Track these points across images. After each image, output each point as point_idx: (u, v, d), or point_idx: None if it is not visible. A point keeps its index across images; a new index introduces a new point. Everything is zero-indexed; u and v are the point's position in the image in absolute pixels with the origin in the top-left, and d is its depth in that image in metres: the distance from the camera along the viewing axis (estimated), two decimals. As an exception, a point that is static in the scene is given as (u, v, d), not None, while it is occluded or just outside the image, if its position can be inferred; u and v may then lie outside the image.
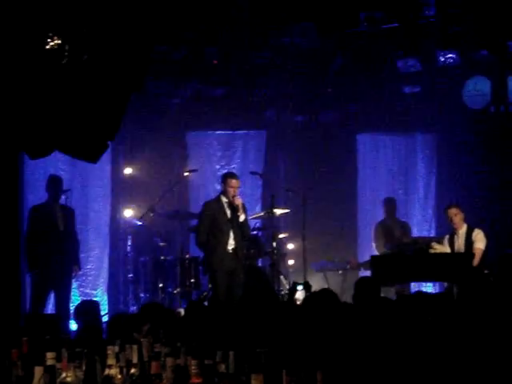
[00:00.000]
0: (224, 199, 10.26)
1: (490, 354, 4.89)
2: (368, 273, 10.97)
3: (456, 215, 10.72)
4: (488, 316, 5.79)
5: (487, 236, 10.70)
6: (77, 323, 6.62)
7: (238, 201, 10.20)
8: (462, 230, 10.73)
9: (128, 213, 12.42)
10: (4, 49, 6.35)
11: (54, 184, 10.69)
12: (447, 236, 10.87)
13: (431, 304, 6.41)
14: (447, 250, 10.73)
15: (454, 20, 11.78)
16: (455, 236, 10.75)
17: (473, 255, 10.40)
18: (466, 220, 10.82)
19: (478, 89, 12.29)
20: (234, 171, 11.31)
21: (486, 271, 10.33)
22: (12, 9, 6.49)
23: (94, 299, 11.26)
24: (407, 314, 6.02)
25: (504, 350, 4.92)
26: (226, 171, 11.75)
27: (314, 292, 7.14)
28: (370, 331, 5.54)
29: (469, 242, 10.63)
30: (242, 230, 10.25)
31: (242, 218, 10.21)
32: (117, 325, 5.74)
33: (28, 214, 10.56)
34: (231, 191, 10.20)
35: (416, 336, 5.43)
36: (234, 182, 10.25)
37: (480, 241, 10.61)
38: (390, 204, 12.31)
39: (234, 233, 10.18)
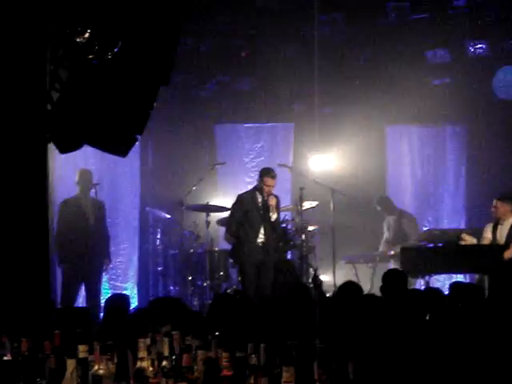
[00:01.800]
0: (258, 196, 10.22)
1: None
2: (398, 265, 10.95)
3: (498, 208, 10.58)
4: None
5: None
6: (105, 316, 6.64)
7: (273, 201, 10.16)
8: (508, 221, 10.59)
9: (157, 205, 12.45)
10: (34, 42, 6.38)
11: (84, 177, 10.75)
12: (491, 224, 10.74)
13: (461, 295, 6.39)
14: (486, 236, 10.61)
15: (483, 10, 11.69)
16: (499, 226, 10.63)
17: (504, 247, 10.31)
18: None
19: (508, 79, 12.19)
20: (262, 164, 11.28)
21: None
22: (43, 3, 6.53)
23: (124, 292, 11.32)
24: (435, 307, 6.00)
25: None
26: (255, 164, 11.74)
27: (340, 285, 7.14)
28: (397, 323, 5.53)
29: (511, 233, 10.51)
30: (273, 227, 10.24)
31: (273, 217, 10.20)
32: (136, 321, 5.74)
33: (58, 208, 10.63)
34: (266, 189, 10.17)
35: (445, 328, 5.42)
36: (270, 180, 10.19)
37: None
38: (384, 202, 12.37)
39: (264, 228, 10.18)
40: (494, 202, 10.65)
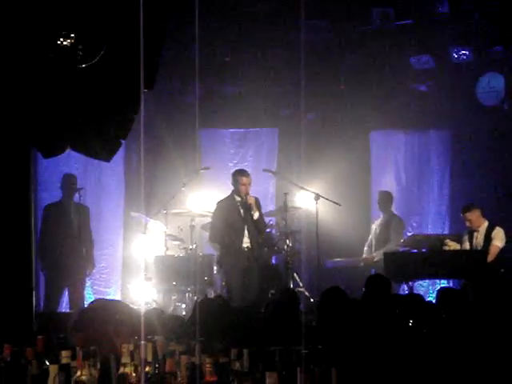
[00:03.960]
0: (237, 198, 10.21)
1: (502, 351, 4.88)
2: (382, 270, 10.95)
3: (470, 220, 10.70)
4: (501, 314, 5.78)
5: (507, 235, 10.67)
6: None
7: (251, 199, 10.15)
8: (482, 227, 10.70)
9: (141, 211, 12.43)
10: (18, 48, 6.36)
11: (69, 182, 10.72)
12: (467, 232, 10.84)
13: (448, 301, 6.40)
14: (465, 246, 10.72)
15: (467, 16, 11.74)
16: (475, 233, 10.73)
17: (487, 252, 10.37)
18: (485, 217, 10.79)
19: (491, 85, 12.25)
20: (247, 169, 11.27)
21: (502, 270, 10.30)
22: (27, 8, 6.50)
23: (108, 298, 11.28)
24: (419, 312, 6.01)
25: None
26: (240, 169, 11.73)
27: (324, 291, 7.13)
28: (381, 328, 5.53)
29: (488, 239, 10.61)
30: (256, 227, 10.21)
31: (255, 215, 10.17)
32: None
33: (42, 213, 10.59)
34: (243, 189, 10.14)
35: (427, 333, 5.43)
36: (244, 179, 10.20)
37: (498, 238, 10.59)
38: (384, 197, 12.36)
39: (248, 231, 10.15)
40: (464, 215, 10.76)
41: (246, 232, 10.14)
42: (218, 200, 10.54)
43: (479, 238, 10.66)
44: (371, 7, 11.94)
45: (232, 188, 10.48)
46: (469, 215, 10.71)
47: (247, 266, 10.08)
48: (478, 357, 4.89)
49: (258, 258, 10.25)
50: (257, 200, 10.28)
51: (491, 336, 5.25)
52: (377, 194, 12.62)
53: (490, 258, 10.37)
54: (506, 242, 10.65)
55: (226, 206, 10.26)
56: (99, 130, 7.11)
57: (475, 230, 10.71)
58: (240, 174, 10.31)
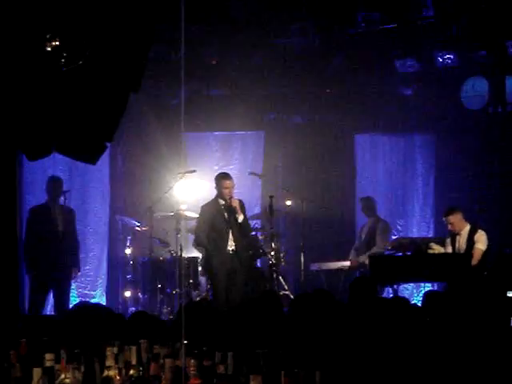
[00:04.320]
0: (221, 201, 10.20)
1: (485, 354, 4.90)
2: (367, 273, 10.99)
3: (453, 223, 10.73)
4: (484, 317, 5.80)
5: (489, 238, 10.70)
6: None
7: (235, 202, 10.13)
8: (465, 230, 10.72)
9: (126, 213, 12.42)
10: (2, 50, 6.35)
11: (54, 185, 10.68)
12: (450, 236, 10.88)
13: (433, 304, 6.42)
14: (447, 250, 10.75)
15: (452, 21, 11.79)
16: (457, 236, 10.75)
17: (471, 256, 10.41)
18: (467, 220, 10.83)
19: (476, 89, 12.29)
20: (232, 172, 11.27)
21: (485, 273, 10.34)
22: (11, 10, 6.49)
23: (92, 301, 11.27)
24: (403, 315, 6.03)
25: (498, 349, 4.93)
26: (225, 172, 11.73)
27: (307, 294, 7.13)
28: (365, 331, 5.54)
29: (470, 242, 10.63)
30: (241, 230, 10.21)
31: (240, 218, 10.17)
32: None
33: (27, 215, 10.56)
34: (226, 192, 10.12)
35: (412, 337, 5.44)
36: (227, 182, 10.18)
37: (481, 242, 10.61)
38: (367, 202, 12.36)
39: (233, 234, 10.14)
40: (446, 219, 10.78)
41: (230, 235, 10.13)
42: (203, 204, 10.53)
43: (462, 242, 10.69)
44: (356, 11, 11.97)
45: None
46: (451, 218, 10.74)
47: (231, 268, 10.07)
48: (462, 360, 4.91)
49: (243, 261, 10.23)
50: (241, 202, 10.27)
51: (475, 339, 5.28)
52: (359, 201, 12.63)
53: (474, 261, 10.39)
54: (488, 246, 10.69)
55: (210, 209, 10.24)
56: (84, 133, 7.10)
57: (457, 234, 10.74)
58: (222, 177, 10.28)
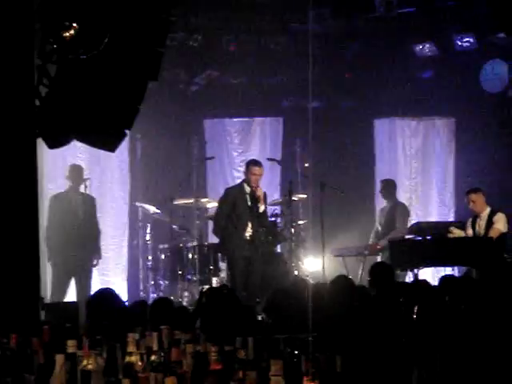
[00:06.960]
0: (246, 188, 10.28)
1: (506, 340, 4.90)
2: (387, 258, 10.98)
3: (475, 202, 10.70)
4: (507, 300, 5.79)
5: (509, 221, 10.67)
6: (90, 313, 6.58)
7: (260, 192, 10.22)
8: (485, 213, 10.71)
9: (146, 200, 12.46)
10: (21, 37, 6.37)
11: (75, 173, 10.75)
12: (470, 219, 10.86)
13: (452, 288, 6.42)
14: (468, 232, 10.74)
15: (470, 4, 11.71)
16: (477, 219, 10.74)
17: (492, 239, 10.38)
18: (488, 203, 10.80)
19: (495, 72, 12.24)
20: (252, 158, 11.28)
21: (505, 255, 10.31)
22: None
23: (112, 287, 11.31)
24: (423, 299, 6.03)
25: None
26: (244, 158, 11.77)
27: (332, 279, 7.13)
28: (386, 316, 5.55)
29: (490, 224, 10.61)
30: (260, 219, 10.28)
31: (261, 208, 10.25)
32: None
33: (48, 203, 10.61)
34: (253, 179, 10.20)
35: (434, 321, 5.44)
36: (256, 169, 10.25)
37: (500, 223, 10.59)
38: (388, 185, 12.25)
39: (251, 221, 10.21)
40: (469, 196, 10.75)
41: (249, 222, 10.19)
42: (227, 187, 10.61)
43: (481, 224, 10.67)
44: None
45: (242, 177, 10.54)
46: (474, 196, 10.71)
47: (250, 255, 10.14)
48: (481, 345, 4.91)
49: (260, 247, 10.27)
50: (265, 194, 10.38)
51: (497, 323, 5.27)
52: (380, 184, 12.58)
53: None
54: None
55: (234, 193, 10.34)
56: (104, 121, 7.13)
57: (477, 216, 10.71)
58: (253, 163, 10.41)
